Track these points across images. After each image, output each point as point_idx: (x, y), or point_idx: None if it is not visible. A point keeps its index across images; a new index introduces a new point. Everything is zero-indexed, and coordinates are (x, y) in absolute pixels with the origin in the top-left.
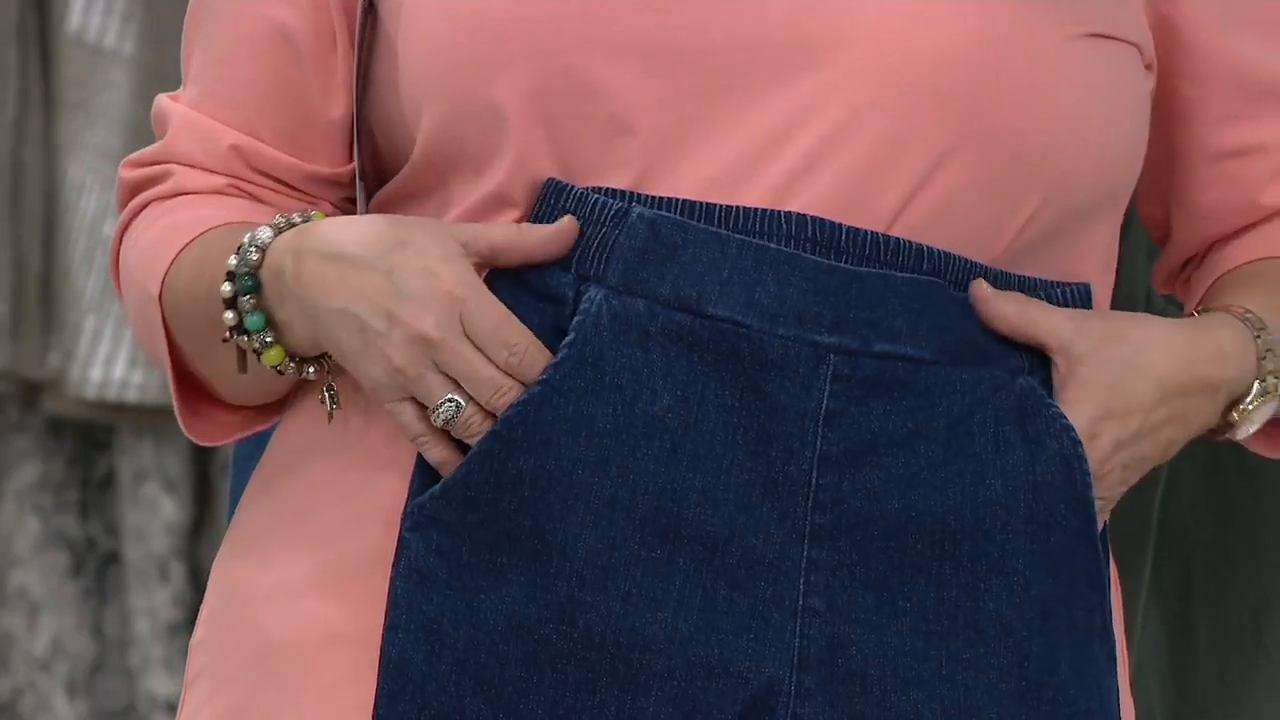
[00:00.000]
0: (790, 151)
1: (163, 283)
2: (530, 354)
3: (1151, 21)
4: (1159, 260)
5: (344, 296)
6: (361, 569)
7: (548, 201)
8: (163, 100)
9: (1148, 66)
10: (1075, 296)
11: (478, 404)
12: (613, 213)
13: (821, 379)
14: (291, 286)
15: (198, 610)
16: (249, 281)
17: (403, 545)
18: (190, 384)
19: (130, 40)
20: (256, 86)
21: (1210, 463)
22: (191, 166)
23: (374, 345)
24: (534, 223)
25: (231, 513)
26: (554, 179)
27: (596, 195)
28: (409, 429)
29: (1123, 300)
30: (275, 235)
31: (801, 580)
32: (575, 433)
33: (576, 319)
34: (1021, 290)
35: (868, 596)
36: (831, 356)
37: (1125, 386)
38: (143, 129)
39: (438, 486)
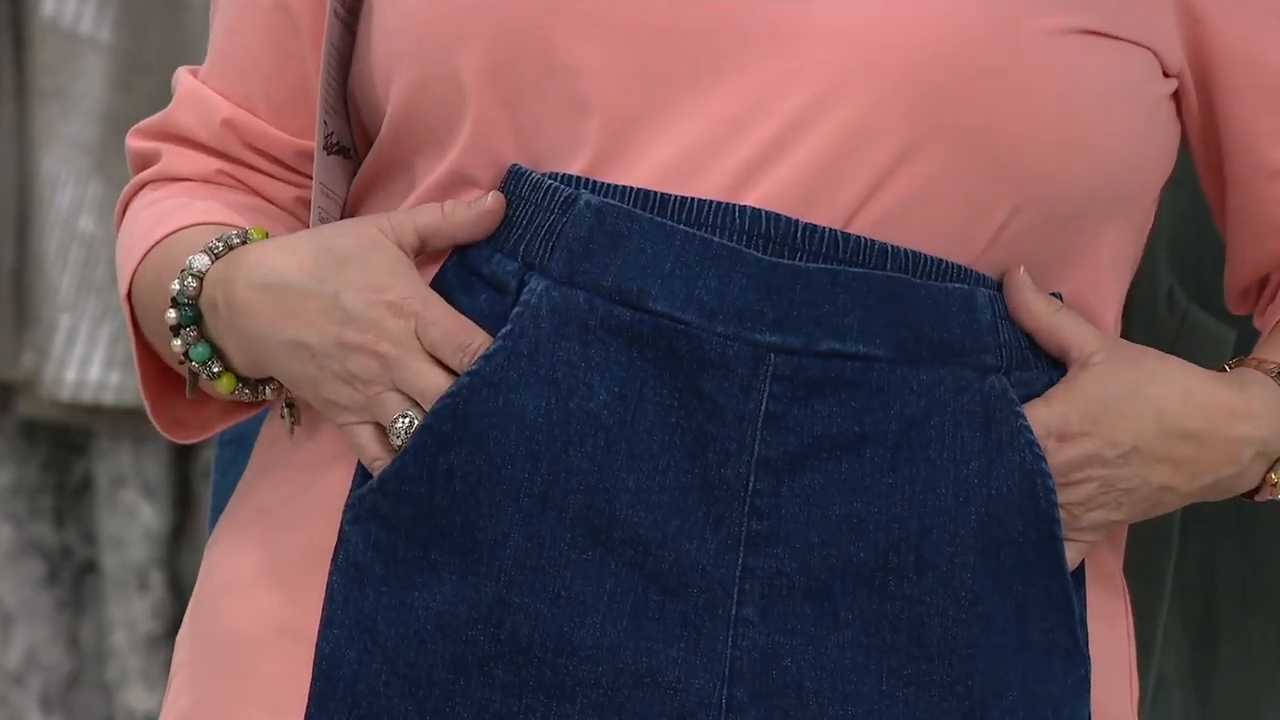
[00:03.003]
0: (750, 140)
1: (131, 284)
2: (485, 349)
3: (1187, 39)
4: (1227, 276)
5: (290, 327)
6: (309, 561)
7: (507, 187)
8: (181, 71)
9: (1172, 74)
10: None
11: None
12: (562, 199)
13: (761, 379)
14: (226, 319)
15: (177, 621)
16: (189, 313)
17: (342, 538)
18: (164, 379)
19: (106, 27)
20: (257, 57)
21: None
22: (186, 141)
23: (329, 370)
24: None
25: (213, 519)
26: (518, 165)
27: (551, 181)
28: (365, 452)
29: (1143, 300)
30: (211, 261)
31: (736, 589)
32: (505, 426)
33: (516, 310)
34: (985, 289)
35: (806, 607)
36: (772, 356)
37: (1121, 407)
38: (120, 119)
39: (375, 479)
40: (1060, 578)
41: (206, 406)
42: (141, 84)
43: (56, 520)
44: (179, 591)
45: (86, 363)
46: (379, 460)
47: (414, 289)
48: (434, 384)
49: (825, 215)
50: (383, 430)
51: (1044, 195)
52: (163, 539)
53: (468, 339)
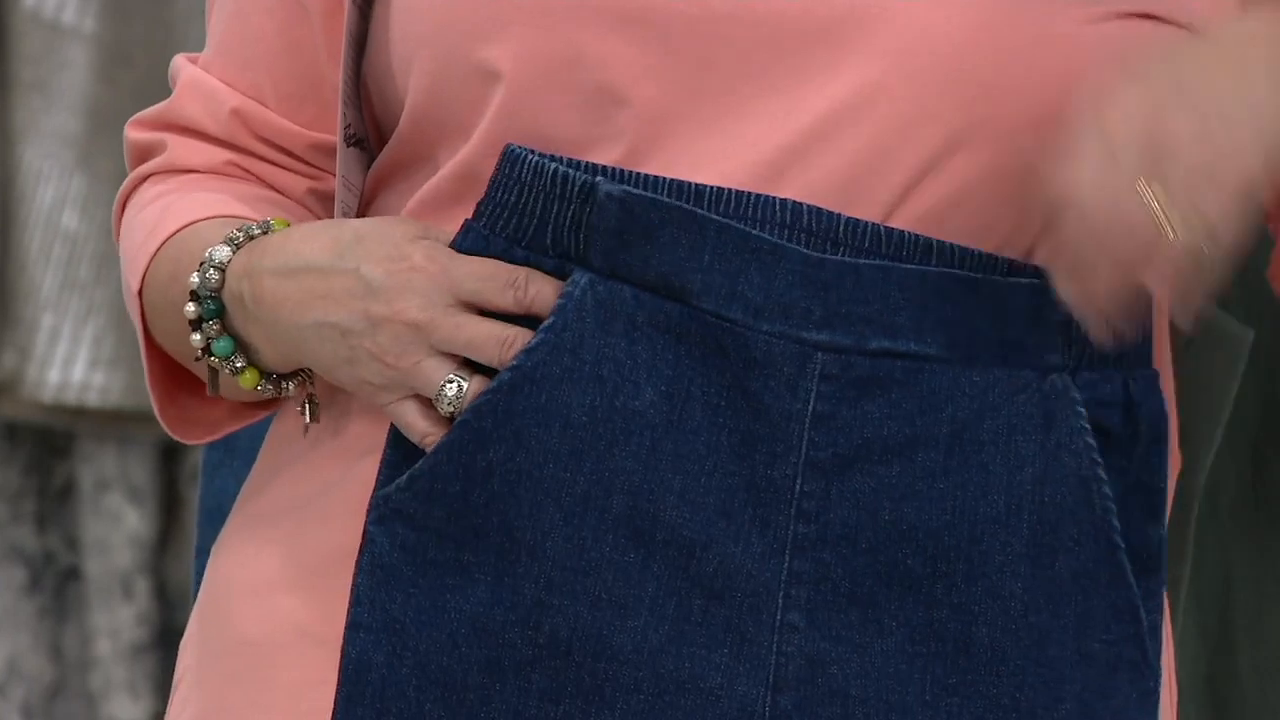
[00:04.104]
0: (787, 130)
1: (143, 280)
2: (533, 281)
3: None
4: (1276, 250)
5: (316, 309)
6: (331, 563)
7: (503, 170)
8: (179, 58)
9: None
10: None
11: (484, 375)
12: (578, 188)
13: (808, 378)
14: (253, 311)
15: (164, 629)
16: (212, 305)
17: (367, 539)
18: (173, 379)
19: (91, 17)
20: (263, 44)
21: (1252, 478)
22: (192, 132)
23: (360, 349)
24: (493, 190)
25: (201, 524)
26: (512, 146)
27: (554, 164)
28: (413, 429)
29: None
30: (233, 252)
31: (781, 593)
32: (548, 424)
33: (559, 302)
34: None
35: (852, 613)
36: (819, 355)
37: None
38: (104, 111)
39: (404, 478)
40: (1124, 588)
41: (216, 406)
42: (126, 76)
43: (38, 525)
44: (165, 598)
45: (70, 363)
46: (430, 435)
47: (434, 250)
48: (483, 330)
49: (864, 209)
50: (427, 402)
51: None
52: (148, 544)
53: (509, 275)
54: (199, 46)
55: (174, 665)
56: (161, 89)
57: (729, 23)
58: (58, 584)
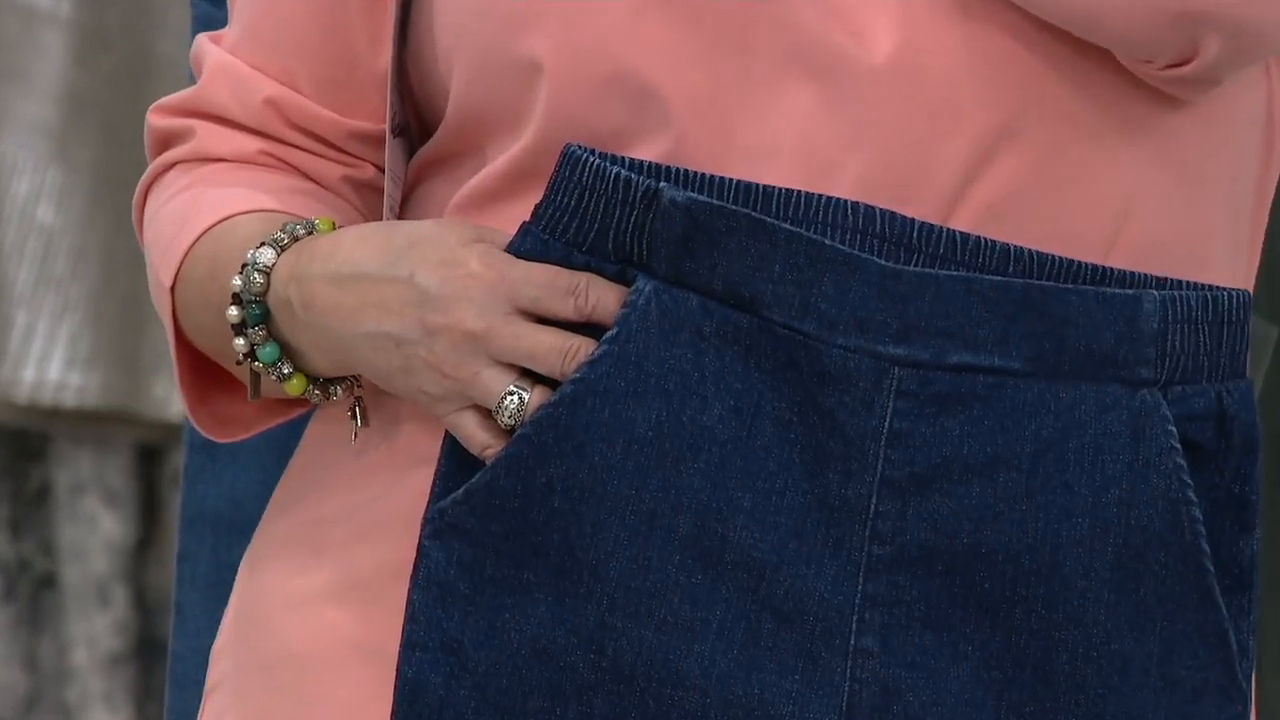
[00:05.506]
0: (835, 120)
1: (176, 275)
2: (594, 288)
3: None
4: None
5: (370, 318)
6: (382, 577)
7: (563, 172)
8: (202, 40)
9: None
10: (1233, 307)
11: (545, 385)
12: (641, 193)
13: (884, 394)
14: (303, 317)
15: (142, 638)
16: (256, 310)
17: (422, 554)
18: (204, 376)
19: (67, 1)
20: (297, 27)
21: (1275, 476)
22: (222, 120)
23: (416, 358)
24: (552, 193)
25: (183, 530)
26: (571, 146)
27: (615, 168)
28: (473, 441)
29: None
30: (278, 255)
31: (855, 617)
32: (611, 439)
33: (623, 311)
34: (1157, 291)
35: (926, 637)
36: (896, 370)
37: None
38: (81, 99)
39: (461, 491)
40: (1213, 611)
41: (251, 404)
42: (104, 62)
43: (13, 531)
44: (144, 606)
45: (45, 362)
46: (490, 448)
47: (490, 256)
48: (544, 341)
49: (922, 206)
50: (486, 413)
51: (1165, 157)
52: (126, 550)
53: (569, 281)
54: (179, 31)
55: (153, 676)
56: (141, 75)
57: (763, 3)
58: (33, 592)
